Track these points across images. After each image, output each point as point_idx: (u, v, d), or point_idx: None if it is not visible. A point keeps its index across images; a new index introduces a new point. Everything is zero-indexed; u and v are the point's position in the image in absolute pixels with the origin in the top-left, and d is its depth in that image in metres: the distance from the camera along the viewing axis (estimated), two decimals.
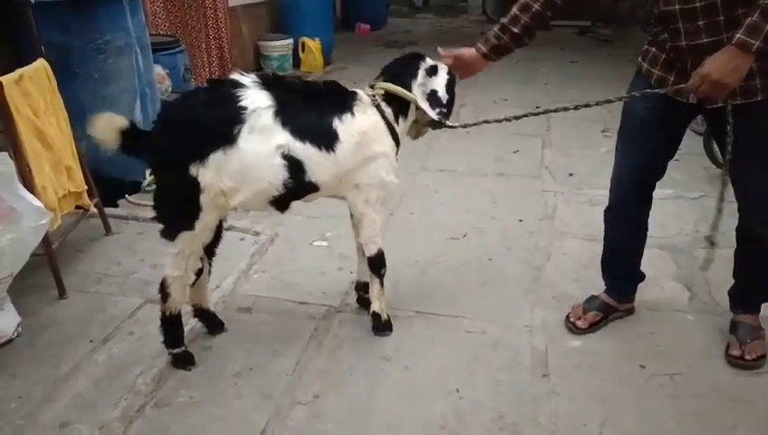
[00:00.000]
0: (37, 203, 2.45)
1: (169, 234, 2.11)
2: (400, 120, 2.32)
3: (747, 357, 2.30)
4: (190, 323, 2.54)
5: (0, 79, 2.47)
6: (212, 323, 2.52)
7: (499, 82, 6.14)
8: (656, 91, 2.09)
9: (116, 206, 3.54)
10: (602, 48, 7.77)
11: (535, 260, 3.06)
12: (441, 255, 3.12)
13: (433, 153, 4.44)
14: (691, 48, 1.96)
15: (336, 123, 2.12)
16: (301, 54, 6.65)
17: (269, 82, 2.07)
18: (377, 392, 2.23)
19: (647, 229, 2.49)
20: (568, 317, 2.55)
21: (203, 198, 2.01)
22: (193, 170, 1.98)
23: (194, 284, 2.29)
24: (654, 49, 2.17)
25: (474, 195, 3.79)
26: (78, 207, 3.00)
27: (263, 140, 1.99)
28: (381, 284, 2.45)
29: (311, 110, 2.10)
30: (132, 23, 3.48)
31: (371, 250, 2.38)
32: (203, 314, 2.50)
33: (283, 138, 2.01)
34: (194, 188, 1.99)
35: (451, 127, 2.40)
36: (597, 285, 2.80)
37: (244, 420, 2.10)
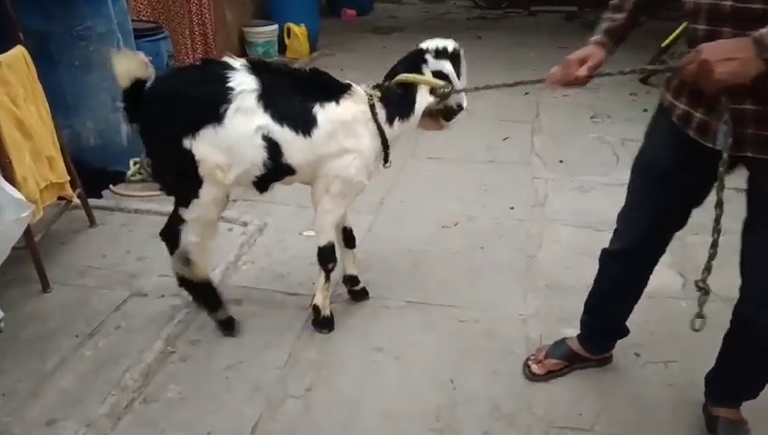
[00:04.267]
0: (18, 195, 2.37)
1: (182, 201, 2.21)
2: (396, 123, 2.25)
3: None
4: (178, 316, 2.49)
5: None
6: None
7: (488, 68, 6.09)
8: (631, 71, 1.92)
9: (100, 197, 3.46)
10: (590, 34, 7.73)
11: (527, 248, 3.03)
12: (432, 243, 3.09)
13: (422, 140, 4.38)
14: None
15: (317, 109, 2.12)
16: (286, 41, 6.55)
17: (258, 67, 2.11)
18: (370, 384, 2.20)
19: (647, 282, 2.11)
20: (528, 358, 2.27)
21: (201, 171, 2.09)
22: (186, 143, 2.05)
23: None
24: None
25: (464, 183, 3.75)
26: (60, 199, 2.93)
27: (246, 120, 2.05)
28: (327, 278, 2.40)
29: (295, 95, 2.13)
30: (114, 9, 3.39)
31: (320, 241, 2.34)
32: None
33: (263, 120, 2.06)
34: (190, 159, 2.07)
35: (458, 92, 2.29)
36: (590, 273, 2.78)
37: (235, 414, 2.06)
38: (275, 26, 6.45)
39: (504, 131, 4.53)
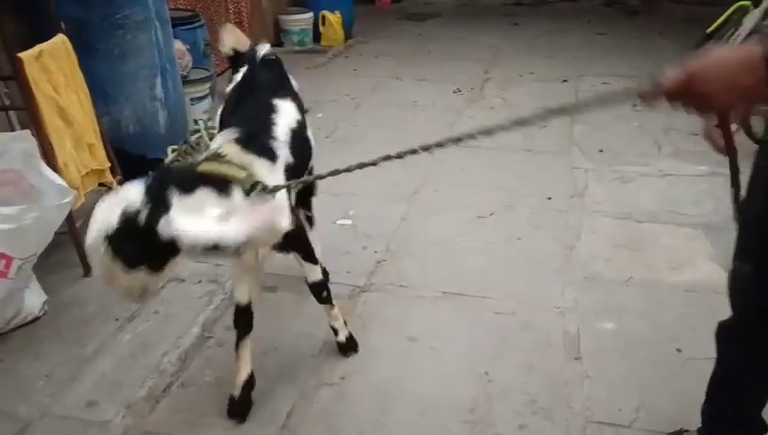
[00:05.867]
0: (60, 181, 2.42)
1: None
2: None
3: None
4: (215, 302, 2.52)
5: (19, 55, 2.43)
6: None
7: (524, 56, 5.99)
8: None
9: None
10: (630, 20, 7.52)
11: (565, 239, 2.97)
12: (467, 234, 3.05)
13: (456, 129, 4.33)
14: None
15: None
16: (321, 28, 6.54)
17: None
18: (403, 374, 2.19)
19: None
20: None
21: None
22: None
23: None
24: None
25: (500, 172, 3.69)
26: (101, 185, 2.97)
27: None
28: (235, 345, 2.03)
29: None
30: None
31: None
32: None
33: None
34: None
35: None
36: (629, 265, 2.73)
37: (269, 400, 2.07)
38: (311, 14, 6.45)
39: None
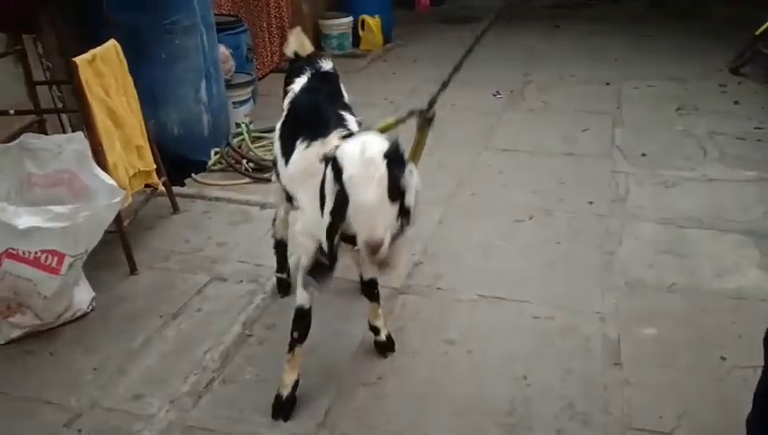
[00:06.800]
0: (110, 181, 2.51)
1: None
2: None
3: None
4: (255, 301, 2.57)
5: (75, 59, 2.53)
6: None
7: (566, 58, 5.92)
8: None
9: (183, 185, 3.61)
10: (677, 21, 7.35)
11: (606, 244, 2.93)
12: (505, 237, 3.04)
13: (496, 132, 4.32)
14: None
15: (297, 144, 1.94)
16: (360, 32, 6.59)
17: (315, 77, 2.19)
18: (440, 376, 2.20)
19: None
20: None
21: None
22: None
23: None
24: None
25: (540, 175, 3.66)
26: (147, 186, 3.07)
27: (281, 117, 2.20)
28: (289, 347, 2.06)
29: (309, 115, 2.01)
30: (197, 2, 3.51)
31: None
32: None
33: (279, 124, 2.17)
34: None
35: None
36: (672, 272, 2.68)
37: (308, 399, 2.10)
38: (350, 18, 6.50)
39: (583, 123, 4.38)
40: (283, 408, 2.04)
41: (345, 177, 1.59)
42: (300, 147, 1.92)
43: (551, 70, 5.61)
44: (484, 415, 2.03)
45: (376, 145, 1.61)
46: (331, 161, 1.64)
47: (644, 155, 3.85)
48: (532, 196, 3.42)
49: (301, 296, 2.01)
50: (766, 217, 3.07)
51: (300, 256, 1.99)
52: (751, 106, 4.52)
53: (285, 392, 2.05)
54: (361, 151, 1.59)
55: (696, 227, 3.04)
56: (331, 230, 1.69)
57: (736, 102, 4.62)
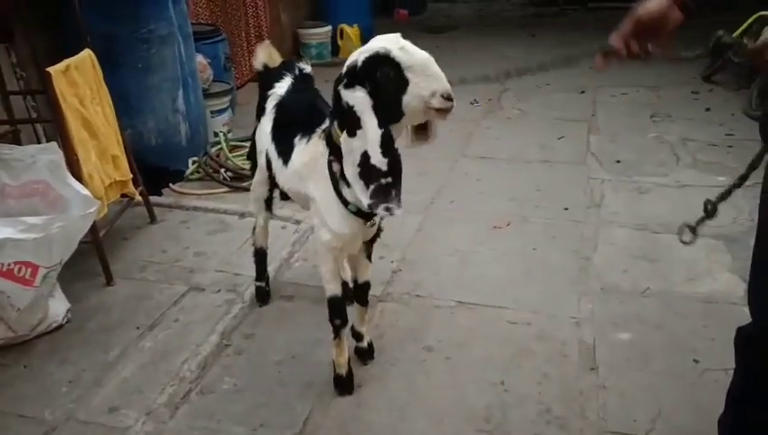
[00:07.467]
0: (85, 191, 2.49)
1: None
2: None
3: None
4: (233, 311, 2.56)
5: (48, 69, 2.51)
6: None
7: None
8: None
9: (160, 194, 3.59)
10: None
11: (582, 250, 2.97)
12: (483, 244, 3.07)
13: (473, 139, 4.37)
14: None
15: (296, 141, 1.99)
16: (339, 42, 6.62)
17: (299, 79, 2.22)
18: (419, 383, 2.21)
19: None
20: None
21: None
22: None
23: None
24: None
25: (517, 182, 3.71)
26: (123, 196, 3.05)
27: (266, 122, 2.21)
28: (335, 334, 2.11)
29: (300, 113, 2.06)
30: (174, 12, 3.51)
31: (325, 291, 2.09)
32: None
33: (268, 127, 2.18)
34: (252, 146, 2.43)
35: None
36: (646, 277, 2.72)
37: (287, 407, 2.10)
38: (329, 27, 6.53)
39: (559, 130, 4.44)
40: (347, 384, 2.17)
41: (393, 54, 1.62)
42: (300, 143, 1.97)
43: (527, 78, 5.65)
44: (462, 421, 2.04)
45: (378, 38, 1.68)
46: (354, 70, 1.70)
47: (618, 162, 3.92)
48: (509, 203, 3.46)
49: (330, 288, 2.07)
50: (737, 222, 3.13)
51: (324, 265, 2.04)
52: (722, 113, 4.62)
53: (344, 371, 2.17)
54: (378, 39, 1.67)
55: (670, 233, 3.08)
56: (387, 139, 1.68)
57: (708, 109, 4.72)
